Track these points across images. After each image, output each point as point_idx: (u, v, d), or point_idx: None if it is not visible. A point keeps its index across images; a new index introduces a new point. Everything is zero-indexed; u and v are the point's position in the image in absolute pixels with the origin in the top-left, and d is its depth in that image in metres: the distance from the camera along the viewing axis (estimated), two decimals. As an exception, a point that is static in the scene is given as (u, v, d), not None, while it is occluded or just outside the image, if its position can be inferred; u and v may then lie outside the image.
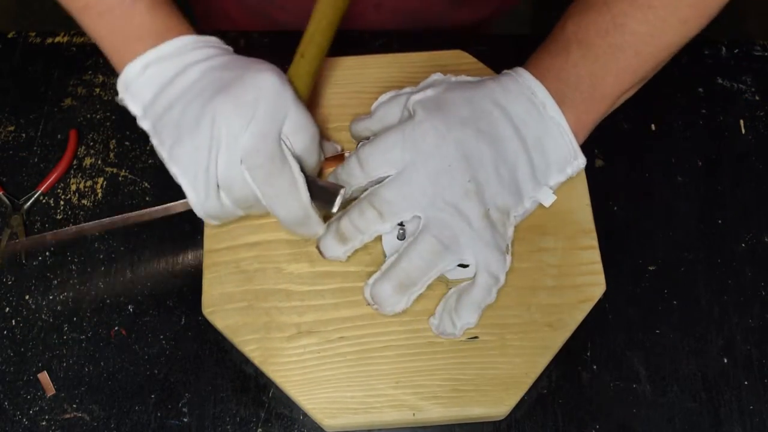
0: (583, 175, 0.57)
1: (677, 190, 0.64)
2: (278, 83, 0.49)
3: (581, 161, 0.54)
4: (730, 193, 0.64)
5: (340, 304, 0.54)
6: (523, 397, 0.52)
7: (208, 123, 0.47)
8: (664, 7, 0.50)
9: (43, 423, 0.56)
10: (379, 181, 0.53)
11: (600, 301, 0.59)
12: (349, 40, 0.70)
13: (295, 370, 0.52)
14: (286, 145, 0.49)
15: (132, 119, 0.68)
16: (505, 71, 0.55)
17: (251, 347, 0.53)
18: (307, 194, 0.50)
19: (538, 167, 0.52)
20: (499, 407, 0.51)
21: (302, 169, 0.50)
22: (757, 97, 0.68)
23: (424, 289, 0.52)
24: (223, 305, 0.54)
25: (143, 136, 0.67)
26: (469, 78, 0.56)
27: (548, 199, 0.54)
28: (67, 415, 0.56)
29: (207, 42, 0.52)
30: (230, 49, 0.53)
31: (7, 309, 0.60)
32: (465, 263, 0.52)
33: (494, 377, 0.52)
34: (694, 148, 0.66)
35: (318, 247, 0.54)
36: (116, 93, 0.52)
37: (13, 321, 0.59)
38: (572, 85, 0.52)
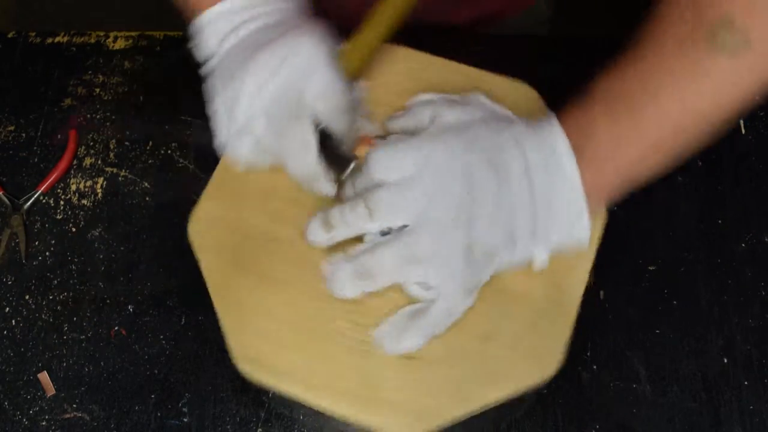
0: (588, 264, 0.55)
1: (677, 190, 0.64)
2: (313, 45, 0.52)
3: (585, 230, 0.50)
4: (730, 193, 0.64)
5: (316, 273, 0.54)
6: (523, 396, 0.52)
7: (241, 76, 0.52)
8: (699, 83, 0.47)
9: (43, 423, 0.56)
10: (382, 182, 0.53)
11: (600, 301, 0.59)
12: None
13: (241, 311, 0.53)
14: (309, 104, 0.52)
15: (131, 119, 0.68)
16: (544, 118, 0.53)
17: (212, 270, 0.54)
18: (315, 154, 0.52)
19: (539, 220, 0.50)
20: (396, 430, 0.51)
21: (327, 132, 0.53)
22: (757, 97, 0.68)
23: (377, 288, 0.52)
24: (208, 226, 0.56)
25: (143, 136, 0.67)
26: (509, 113, 0.55)
27: (540, 257, 0.51)
28: (67, 415, 0.56)
29: None
30: (294, 6, 0.56)
31: (7, 309, 0.60)
32: (428, 285, 0.51)
33: (410, 402, 0.51)
34: (694, 148, 0.66)
35: (305, 229, 0.54)
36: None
37: (13, 321, 0.59)
38: (593, 143, 0.49)
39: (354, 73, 0.55)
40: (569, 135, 0.50)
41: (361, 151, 0.59)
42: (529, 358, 0.51)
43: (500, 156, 0.50)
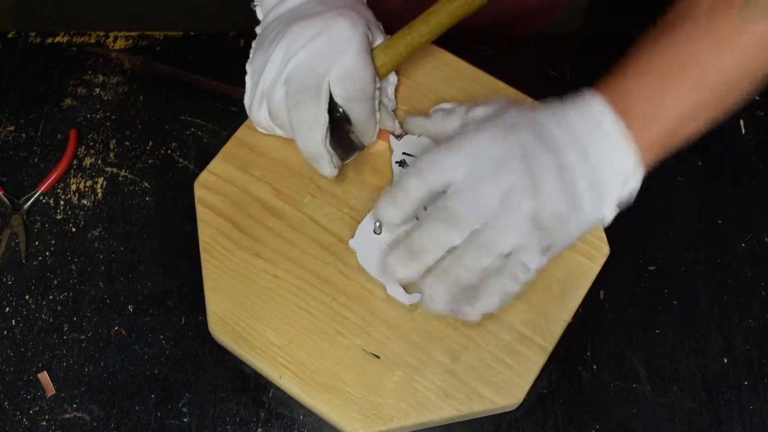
0: (579, 296, 0.55)
1: (677, 190, 0.64)
2: (348, 29, 0.53)
3: (639, 177, 0.50)
4: (730, 193, 0.64)
5: (303, 252, 0.56)
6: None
7: (274, 44, 0.54)
8: (725, 32, 0.48)
9: (43, 423, 0.56)
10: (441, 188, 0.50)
11: (600, 301, 0.59)
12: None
13: (224, 273, 0.55)
14: (329, 85, 0.53)
15: (131, 119, 0.68)
16: (577, 93, 0.52)
17: (208, 234, 0.57)
18: (323, 135, 0.53)
19: (599, 179, 0.50)
20: (346, 424, 0.51)
21: (343, 116, 0.54)
22: (757, 97, 0.68)
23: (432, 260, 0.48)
24: (215, 185, 0.58)
25: (143, 136, 0.67)
26: (532, 101, 0.55)
27: (609, 216, 0.50)
28: (67, 415, 0.56)
29: None
30: None
31: (7, 309, 0.60)
32: (503, 251, 0.48)
33: (367, 400, 0.51)
34: (694, 148, 0.66)
35: (386, 268, 0.50)
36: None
37: (13, 321, 0.59)
38: (633, 107, 0.50)
39: (385, 68, 0.55)
40: (608, 100, 0.50)
41: (376, 146, 0.59)
42: (493, 386, 0.52)
43: (545, 130, 0.50)
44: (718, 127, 0.67)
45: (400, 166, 0.57)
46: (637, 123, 0.50)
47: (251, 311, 0.54)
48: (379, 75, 0.55)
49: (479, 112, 0.53)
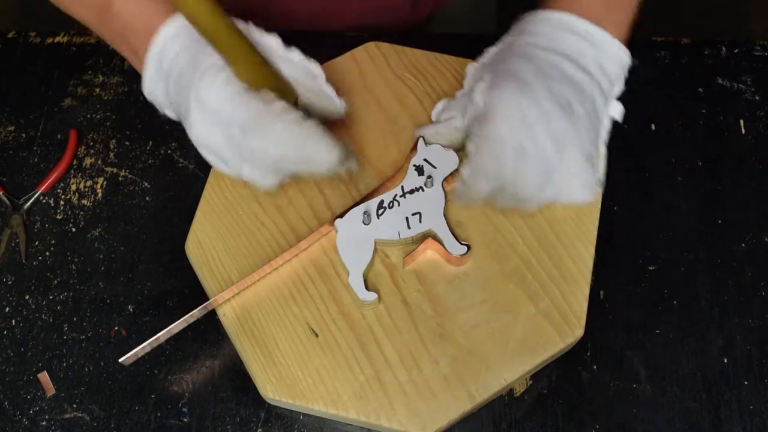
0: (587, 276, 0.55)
1: (677, 190, 0.64)
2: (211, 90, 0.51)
3: (627, 59, 0.54)
4: (730, 193, 0.64)
5: (297, 214, 0.57)
6: (523, 396, 0.52)
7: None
8: None
9: (43, 423, 0.56)
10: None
11: (600, 301, 0.59)
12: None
13: (220, 204, 0.57)
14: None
15: (131, 119, 0.68)
16: (522, 18, 0.55)
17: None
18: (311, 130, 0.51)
19: (605, 88, 0.53)
20: (259, 381, 0.52)
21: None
22: (757, 97, 0.68)
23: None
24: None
25: (143, 136, 0.67)
26: (495, 48, 0.56)
27: (618, 111, 0.54)
28: (67, 415, 0.56)
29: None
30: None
31: (7, 309, 0.60)
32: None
33: (287, 370, 0.52)
34: (694, 148, 0.66)
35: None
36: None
37: (13, 321, 0.59)
38: (606, 4, 0.53)
39: (260, 83, 0.52)
40: (583, 9, 0.53)
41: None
42: (410, 410, 0.50)
43: (553, 70, 0.52)
44: (718, 127, 0.67)
45: (416, 170, 0.57)
46: (615, 18, 0.54)
47: (227, 244, 0.56)
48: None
49: (481, 92, 0.53)
